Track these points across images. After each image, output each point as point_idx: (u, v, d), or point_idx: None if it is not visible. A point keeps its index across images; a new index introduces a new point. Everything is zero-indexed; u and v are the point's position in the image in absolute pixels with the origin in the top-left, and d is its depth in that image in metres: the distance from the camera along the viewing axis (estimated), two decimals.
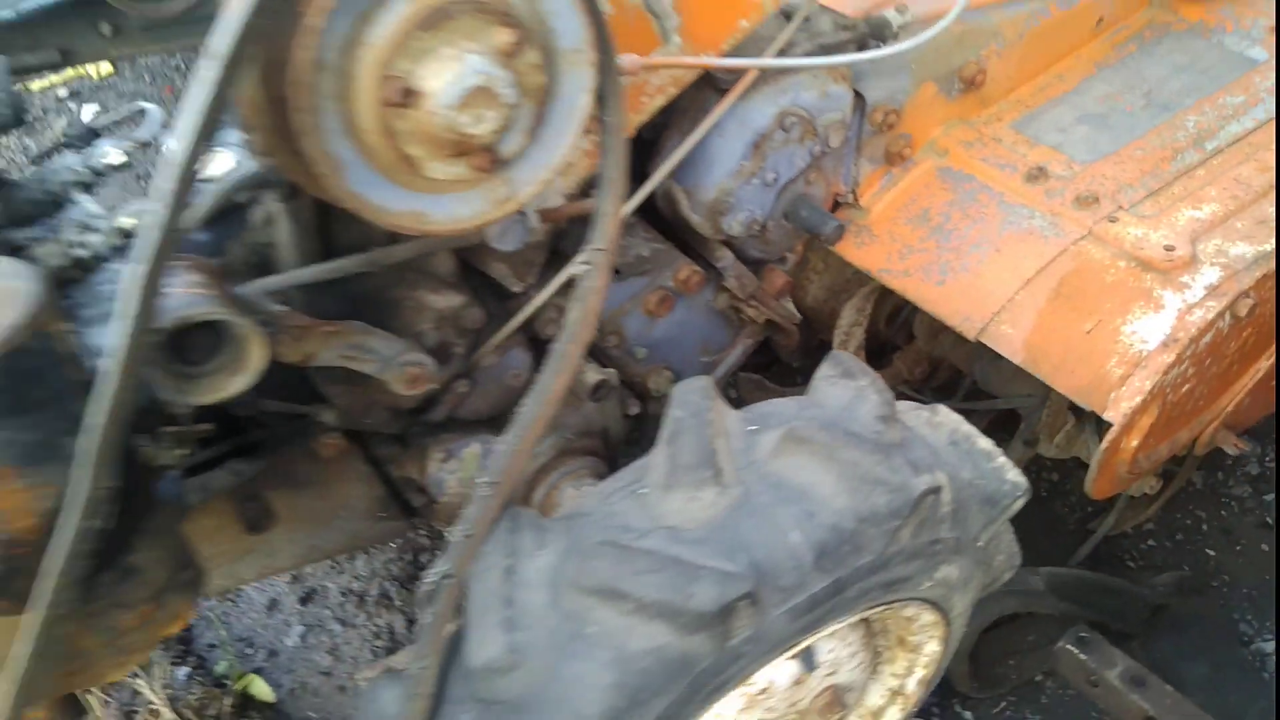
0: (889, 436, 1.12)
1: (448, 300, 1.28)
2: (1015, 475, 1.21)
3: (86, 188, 1.13)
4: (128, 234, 1.08)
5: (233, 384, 0.94)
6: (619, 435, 1.68)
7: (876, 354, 2.01)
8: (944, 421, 1.22)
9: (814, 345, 1.97)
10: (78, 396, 0.82)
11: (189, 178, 0.79)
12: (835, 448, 1.06)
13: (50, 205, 1.12)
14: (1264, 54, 1.81)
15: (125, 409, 0.81)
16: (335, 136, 0.86)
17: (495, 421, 1.50)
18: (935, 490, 1.06)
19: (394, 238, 1.18)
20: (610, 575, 0.98)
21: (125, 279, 0.80)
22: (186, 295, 0.91)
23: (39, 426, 0.80)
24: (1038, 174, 1.66)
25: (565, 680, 0.99)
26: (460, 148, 0.90)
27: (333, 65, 0.83)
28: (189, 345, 0.92)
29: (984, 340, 1.55)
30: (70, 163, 1.13)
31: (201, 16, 2.29)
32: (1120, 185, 1.62)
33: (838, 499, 1.04)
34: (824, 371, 1.24)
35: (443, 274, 1.28)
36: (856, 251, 1.71)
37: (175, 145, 0.79)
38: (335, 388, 1.27)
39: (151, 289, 0.79)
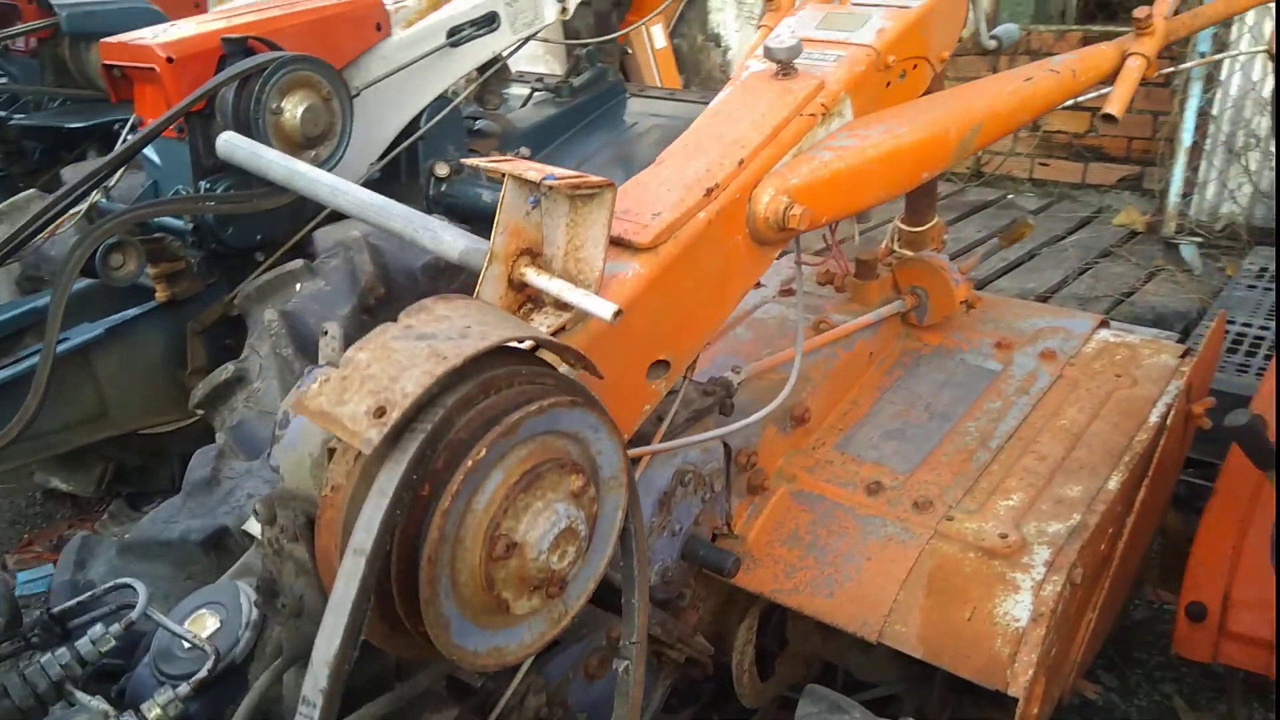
0: None
1: (446, 716, 1.28)
2: None
3: (75, 681, 1.07)
4: None
5: None
6: None
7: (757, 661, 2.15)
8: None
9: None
10: None
11: (341, 677, 0.82)
12: None
13: (39, 709, 1.04)
14: (998, 365, 2.30)
15: None
16: (445, 598, 0.93)
17: None
18: None
19: (403, 672, 1.20)
20: None
21: None
22: None
23: None
24: (876, 488, 1.97)
25: None
26: (541, 583, 0.99)
27: (449, 537, 0.91)
28: None
29: (885, 641, 1.74)
30: (58, 658, 1.07)
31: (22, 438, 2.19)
32: (942, 488, 1.96)
33: None
34: (808, 709, 1.36)
35: (438, 690, 1.29)
36: (746, 578, 1.89)
37: (323, 644, 0.83)
38: None
39: None
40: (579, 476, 1.01)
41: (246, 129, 2.49)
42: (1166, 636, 2.75)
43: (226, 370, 2.39)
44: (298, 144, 2.62)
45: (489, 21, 3.32)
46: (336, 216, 2.90)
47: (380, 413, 0.88)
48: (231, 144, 1.74)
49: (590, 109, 4.07)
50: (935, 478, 1.99)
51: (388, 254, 2.52)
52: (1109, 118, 1.97)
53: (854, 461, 2.06)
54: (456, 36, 3.25)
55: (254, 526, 1.32)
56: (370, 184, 3.19)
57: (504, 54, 3.50)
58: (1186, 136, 4.96)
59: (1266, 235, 4.83)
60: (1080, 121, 5.96)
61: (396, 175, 3.32)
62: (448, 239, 1.51)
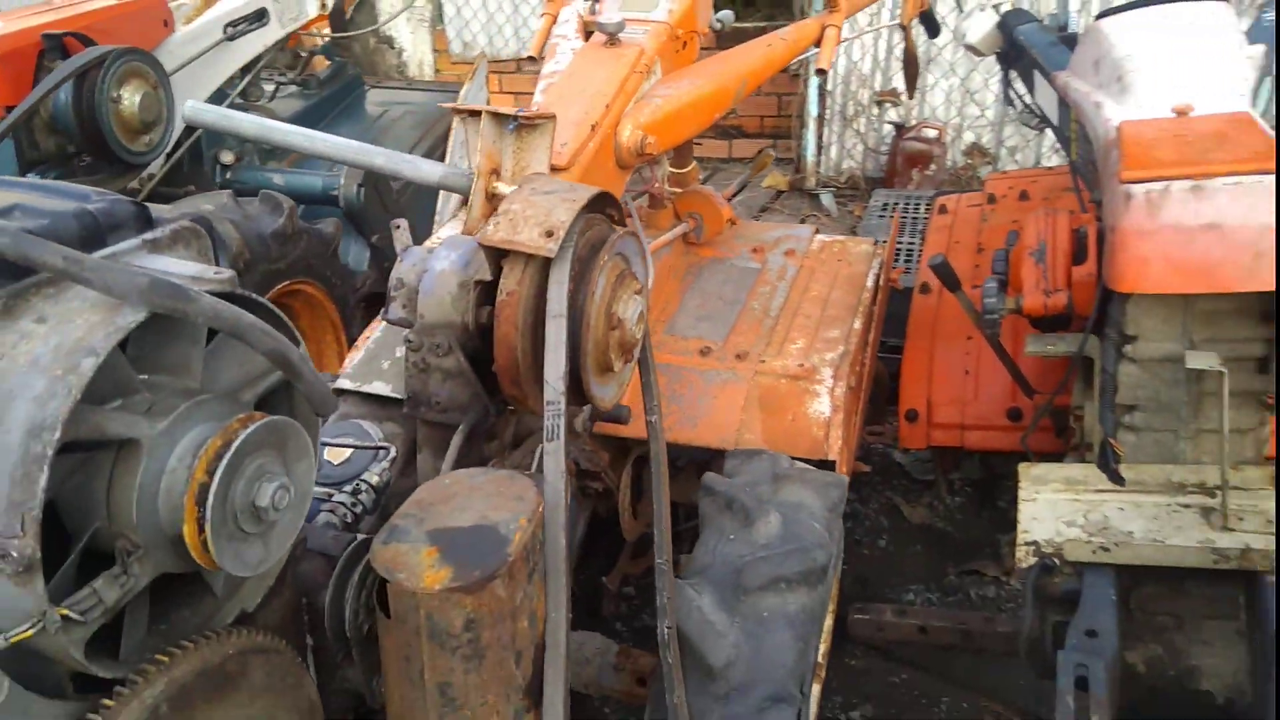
0: (799, 465, 1.94)
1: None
2: (842, 478, 2.09)
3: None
4: (376, 489, 1.44)
5: None
6: None
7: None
8: (799, 462, 2.07)
9: None
10: None
11: (565, 385, 1.33)
12: (800, 475, 1.84)
13: None
14: (758, 265, 3.08)
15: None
16: (588, 357, 1.45)
17: None
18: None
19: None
20: (765, 574, 1.62)
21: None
22: None
23: None
24: (706, 351, 2.65)
25: (767, 650, 1.58)
26: (627, 349, 1.55)
27: (590, 314, 1.44)
28: None
29: (740, 448, 2.42)
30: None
31: None
32: (750, 345, 2.68)
33: (818, 501, 1.82)
34: (733, 463, 2.00)
35: None
36: (630, 429, 2.48)
37: (551, 368, 1.33)
38: None
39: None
40: (638, 283, 1.57)
41: (92, 118, 2.65)
42: (878, 463, 3.73)
43: None
44: (136, 130, 2.79)
45: (260, 17, 3.58)
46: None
47: (550, 234, 1.39)
48: (198, 109, 2.02)
49: (338, 100, 4.38)
50: (743, 339, 2.71)
51: (243, 225, 2.79)
52: (821, 72, 2.79)
53: (682, 339, 2.73)
54: (233, 31, 3.49)
55: (344, 382, 1.72)
56: (162, 176, 3.38)
57: (269, 48, 3.76)
58: (813, 109, 6.19)
59: (878, 182, 6.19)
60: None
61: (180, 165, 3.49)
62: (426, 168, 1.95)
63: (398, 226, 1.72)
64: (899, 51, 6.05)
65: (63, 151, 2.80)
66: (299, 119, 4.20)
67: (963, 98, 6.07)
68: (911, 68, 3.55)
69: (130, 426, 0.88)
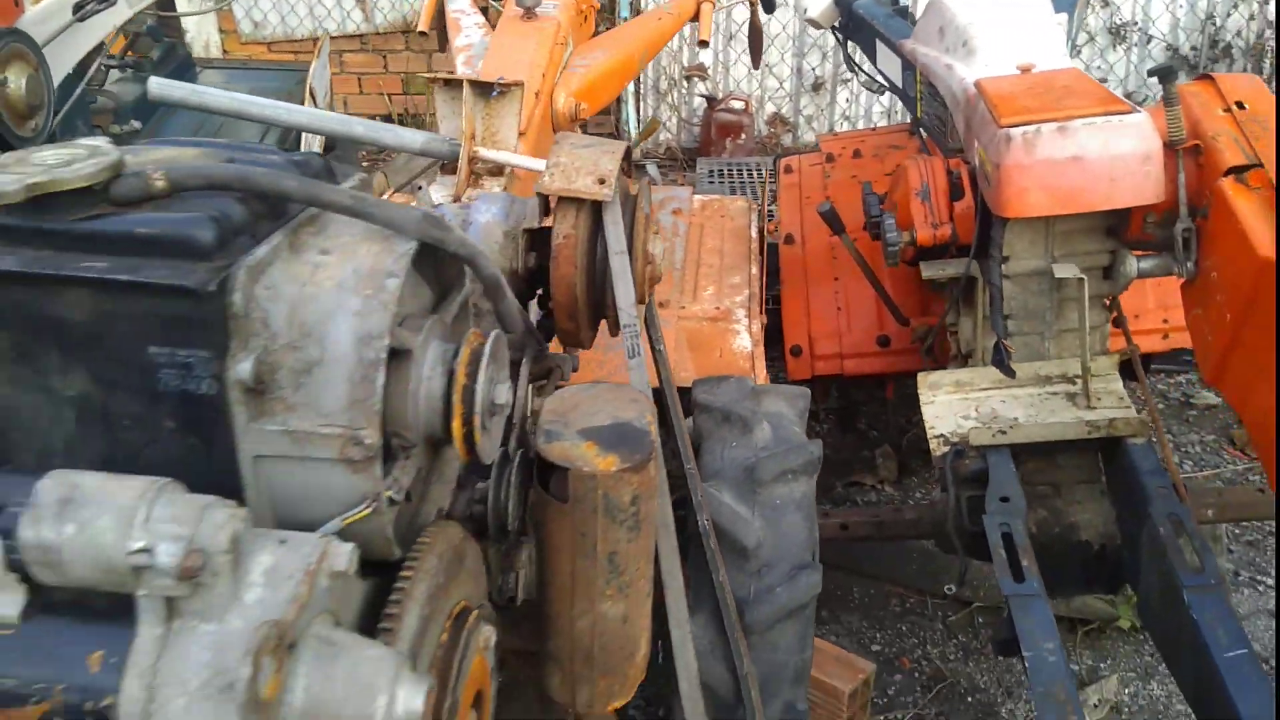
0: (766, 383, 2.23)
1: None
2: (805, 390, 2.38)
3: None
4: None
5: None
6: None
7: None
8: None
9: None
10: None
11: (637, 307, 1.54)
12: (773, 389, 2.13)
13: None
14: None
15: None
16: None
17: None
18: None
19: None
20: (775, 468, 1.90)
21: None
22: None
23: None
24: None
25: (784, 529, 1.86)
26: (654, 283, 1.76)
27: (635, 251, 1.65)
28: None
29: (677, 385, 2.68)
30: None
31: None
32: (668, 294, 2.94)
33: (791, 410, 2.11)
34: (705, 386, 2.26)
35: None
36: (579, 377, 2.68)
37: (623, 294, 1.53)
38: None
39: None
40: (655, 224, 1.79)
41: None
42: None
43: None
44: (22, 114, 2.66)
45: None
46: None
47: (602, 181, 1.58)
48: (166, 86, 2.02)
49: None
50: (660, 290, 2.96)
51: None
52: (703, 43, 3.08)
53: None
54: (82, 11, 3.33)
55: None
56: None
57: (118, 30, 3.61)
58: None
59: (694, 152, 6.59)
60: None
61: None
62: (407, 136, 2.07)
63: (419, 188, 1.84)
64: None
65: None
66: (138, 103, 4.03)
67: (763, 72, 6.56)
68: (756, 41, 3.91)
69: (408, 339, 1.02)
